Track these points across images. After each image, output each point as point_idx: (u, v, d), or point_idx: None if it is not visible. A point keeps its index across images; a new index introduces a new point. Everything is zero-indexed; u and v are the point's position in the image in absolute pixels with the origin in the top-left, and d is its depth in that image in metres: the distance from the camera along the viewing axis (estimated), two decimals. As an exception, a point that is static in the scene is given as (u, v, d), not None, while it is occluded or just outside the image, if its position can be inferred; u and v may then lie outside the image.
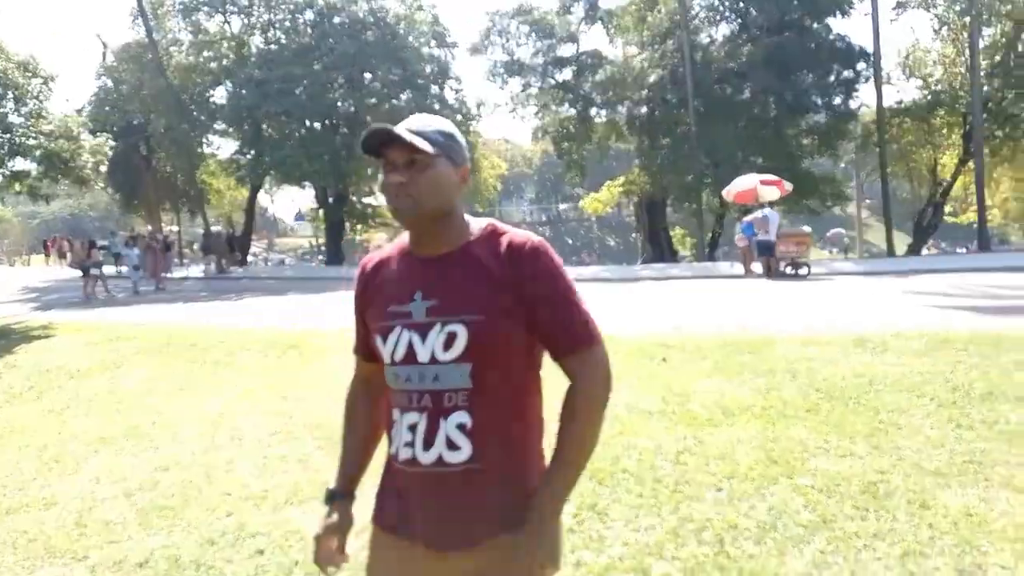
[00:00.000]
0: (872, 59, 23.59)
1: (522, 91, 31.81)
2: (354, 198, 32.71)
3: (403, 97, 29.13)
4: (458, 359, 1.33)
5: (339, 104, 28.20)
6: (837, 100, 25.39)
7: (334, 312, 12.42)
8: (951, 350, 6.36)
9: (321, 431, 5.03)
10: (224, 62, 29.71)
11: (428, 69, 29.88)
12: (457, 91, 31.63)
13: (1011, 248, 29.78)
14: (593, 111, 30.46)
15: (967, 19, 22.44)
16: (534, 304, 1.36)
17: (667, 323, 8.94)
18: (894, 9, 25.67)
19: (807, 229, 17.12)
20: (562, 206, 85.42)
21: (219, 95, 31.23)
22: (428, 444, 1.35)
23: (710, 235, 27.92)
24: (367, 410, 1.60)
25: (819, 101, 25.37)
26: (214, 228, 29.26)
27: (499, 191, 51.51)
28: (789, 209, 25.16)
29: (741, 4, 25.94)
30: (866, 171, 33.88)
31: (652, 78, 26.11)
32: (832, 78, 25.07)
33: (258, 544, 3.31)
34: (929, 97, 25.59)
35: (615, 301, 12.14)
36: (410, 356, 1.36)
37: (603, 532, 3.20)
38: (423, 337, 1.35)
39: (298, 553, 3.20)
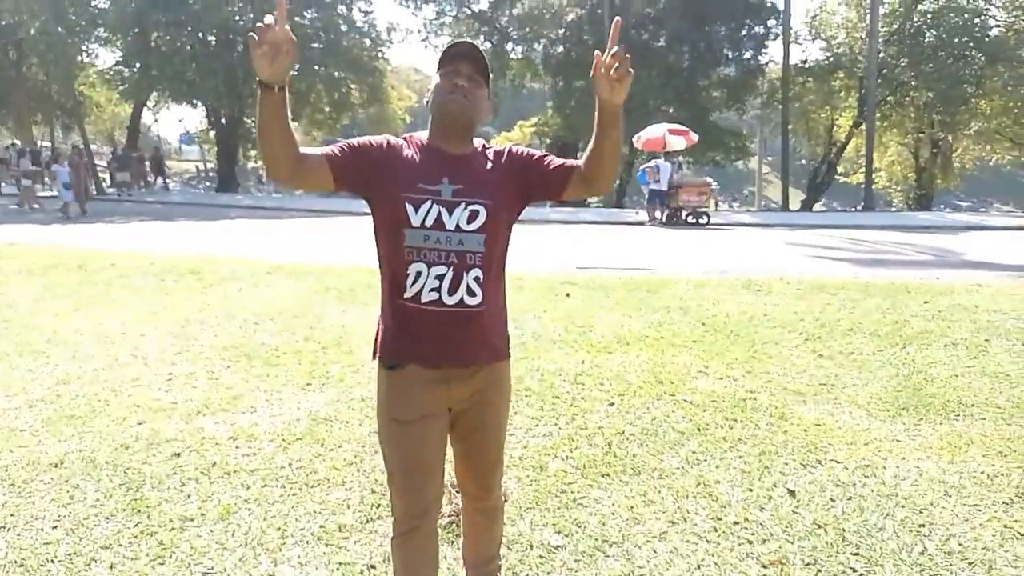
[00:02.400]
0: (781, 16, 24.44)
1: (436, 18, 31.00)
2: (250, 121, 31.14)
3: (307, 15, 27.71)
4: (478, 230, 1.77)
5: (237, 18, 26.40)
6: (747, 55, 26.26)
7: (234, 239, 12.16)
8: (825, 294, 7.04)
9: (229, 352, 5.07)
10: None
11: (335, -14, 28.52)
12: (366, 13, 30.42)
13: (894, 209, 32.12)
14: (509, 46, 30.16)
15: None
16: (529, 169, 1.88)
17: (574, 263, 9.32)
18: (805, -31, 26.53)
19: (709, 180, 17.86)
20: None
21: (102, -1, 28.68)
22: (453, 290, 1.76)
23: (618, 182, 28.62)
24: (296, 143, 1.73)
25: (730, 54, 26.16)
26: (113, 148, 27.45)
27: (406, 123, 50.35)
28: (696, 160, 26.08)
29: (661, -51, 26.08)
30: (769, 127, 35.32)
31: (570, 17, 26.09)
32: (743, 32, 25.84)
33: (173, 448, 3.41)
34: (831, 59, 26.85)
35: (525, 242, 12.43)
36: (439, 224, 1.75)
37: (507, 439, 3.49)
38: (450, 211, 1.76)
39: (214, 456, 3.33)
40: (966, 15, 23.76)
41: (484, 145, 1.94)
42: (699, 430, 3.60)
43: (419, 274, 1.76)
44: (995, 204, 51.92)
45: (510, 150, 1.94)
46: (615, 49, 1.63)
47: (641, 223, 17.58)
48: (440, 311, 1.77)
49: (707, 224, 16.68)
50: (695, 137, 17.91)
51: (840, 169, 31.01)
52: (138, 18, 25.26)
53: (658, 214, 17.31)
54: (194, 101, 29.07)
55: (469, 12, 30.39)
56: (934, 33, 24.07)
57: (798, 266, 9.62)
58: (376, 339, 1.88)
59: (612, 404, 4.00)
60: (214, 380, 4.51)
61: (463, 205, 1.76)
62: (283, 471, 3.18)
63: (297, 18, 27.08)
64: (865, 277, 8.26)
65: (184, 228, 14.17)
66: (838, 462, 3.22)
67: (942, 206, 34.71)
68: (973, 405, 3.90)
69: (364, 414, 3.88)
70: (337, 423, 3.76)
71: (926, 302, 6.56)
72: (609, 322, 5.91)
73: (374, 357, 1.88)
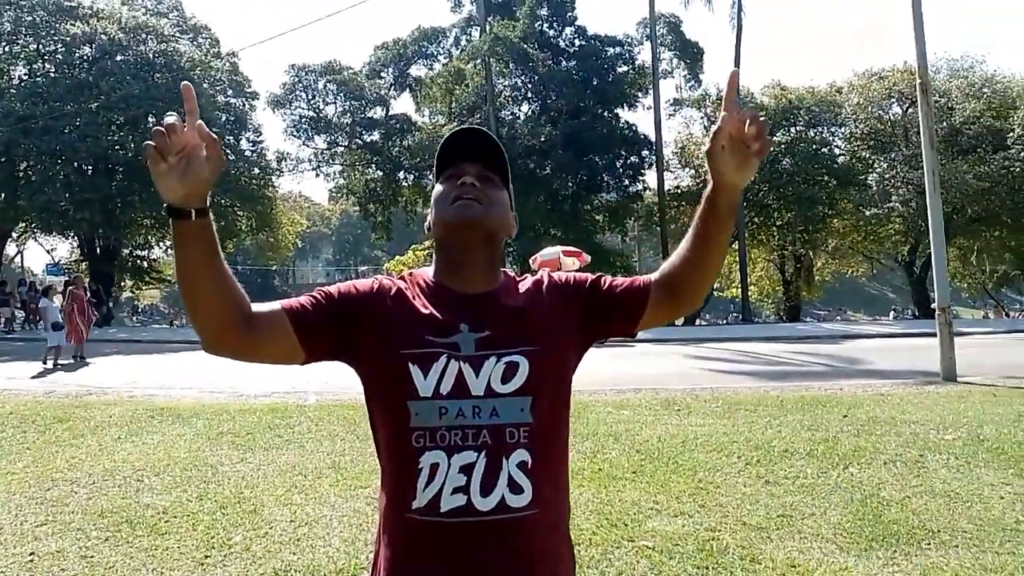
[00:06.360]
0: (655, 147, 26.37)
1: (328, 149, 31.31)
2: (126, 251, 29.59)
3: (192, 144, 27.16)
4: (518, 391, 1.23)
5: (117, 147, 25.42)
6: (626, 182, 28.02)
7: (109, 377, 10.99)
8: (744, 411, 7.01)
9: (107, 520, 4.26)
10: (-23, 91, 25.85)
11: (223, 118, 28.31)
12: (256, 143, 30.31)
13: (766, 321, 34.21)
14: (401, 174, 30.71)
15: (729, 120, 25.94)
16: (586, 297, 1.38)
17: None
18: (672, 106, 29.12)
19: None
20: (361, 268, 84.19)
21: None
22: (488, 487, 1.19)
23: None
24: (244, 296, 1.22)
25: (610, 182, 27.82)
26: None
27: (297, 247, 49.63)
28: (584, 279, 26.92)
29: (542, 88, 27.92)
30: (647, 247, 37.45)
31: (459, 147, 27.01)
32: (621, 162, 27.67)
33: (33, 670, 2.65)
34: (701, 185, 29.03)
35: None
36: (461, 388, 1.22)
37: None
38: (476, 369, 1.24)
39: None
40: (814, 145, 26.58)
41: (514, 277, 1.43)
42: (673, 584, 3.23)
43: (435, 468, 1.20)
44: (848, 312, 56.82)
45: (551, 277, 1.42)
46: (749, 111, 1.17)
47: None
48: (471, 524, 1.19)
49: (604, 340, 16.88)
50: (588, 258, 18.47)
51: (715, 284, 32.97)
52: (6, 147, 23.85)
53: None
54: (67, 232, 27.39)
55: (361, 143, 30.92)
56: (789, 160, 26.64)
57: (705, 381, 9.72)
58: (372, 572, 1.31)
59: (571, 558, 3.56)
60: (88, 560, 3.71)
61: (494, 359, 1.24)
62: None
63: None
64: (773, 391, 8.38)
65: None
66: (834, 612, 2.93)
67: (809, 318, 37.38)
68: (939, 531, 3.76)
69: (281, 595, 3.24)
70: (248, 611, 3.11)
71: (844, 416, 6.64)
72: (540, 456, 5.52)
73: None
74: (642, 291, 1.37)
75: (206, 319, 1.18)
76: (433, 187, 1.41)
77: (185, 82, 1.13)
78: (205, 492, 4.80)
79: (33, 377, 11.26)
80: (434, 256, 1.41)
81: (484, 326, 1.27)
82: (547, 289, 1.38)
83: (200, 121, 1.08)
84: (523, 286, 1.39)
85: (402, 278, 1.39)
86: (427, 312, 1.29)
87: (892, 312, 40.25)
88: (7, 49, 26.56)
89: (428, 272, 1.39)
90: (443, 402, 1.21)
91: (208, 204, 1.12)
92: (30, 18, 25.33)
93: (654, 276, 1.38)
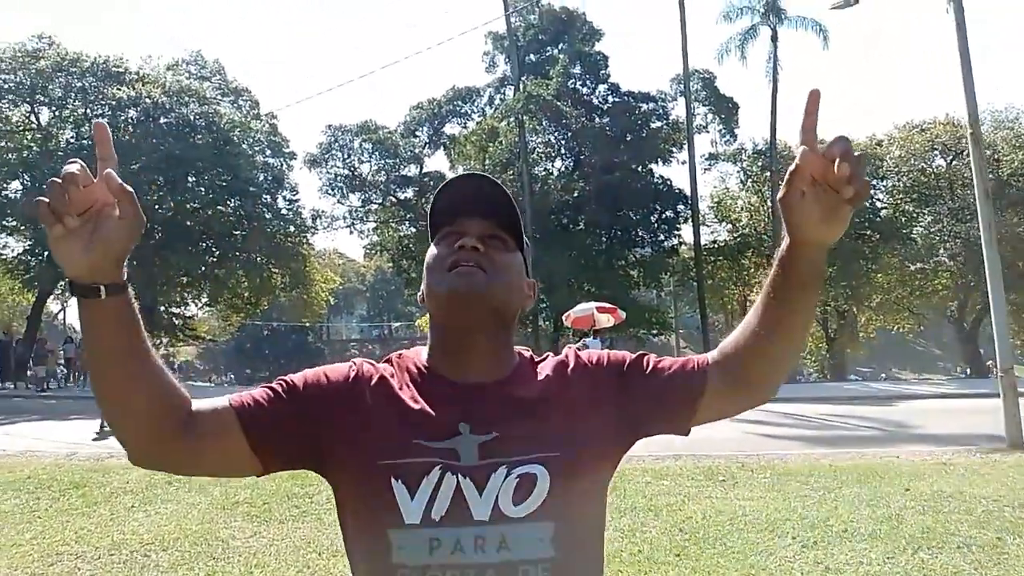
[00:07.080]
0: (690, 202, 26.10)
1: (362, 206, 31.71)
2: (162, 308, 30.07)
3: (230, 203, 27.79)
4: (535, 515, 0.93)
5: (156, 207, 25.95)
6: (661, 236, 27.73)
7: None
8: (795, 483, 6.48)
9: (106, 602, 3.96)
10: (26, 154, 26.69)
11: (261, 177, 28.94)
12: (292, 201, 30.87)
13: (808, 379, 33.12)
14: (434, 232, 30.90)
15: (768, 173, 25.70)
16: (625, 384, 1.07)
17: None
18: (707, 160, 29.00)
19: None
20: (395, 324, 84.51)
21: (13, 188, 27.89)
22: None
23: (543, 359, 28.67)
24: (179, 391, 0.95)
25: (645, 236, 27.55)
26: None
27: (330, 305, 50.02)
28: (619, 336, 26.41)
29: (575, 144, 28.04)
30: (683, 303, 36.84)
31: (492, 204, 27.15)
32: (656, 217, 27.44)
33: None
34: (739, 239, 28.63)
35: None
36: (459, 512, 0.92)
37: None
38: (479, 485, 0.93)
39: None
40: (855, 199, 26.08)
41: (531, 359, 1.12)
42: None
43: None
44: (894, 369, 54.90)
45: (579, 358, 1.10)
46: (838, 142, 0.83)
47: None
48: None
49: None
50: (623, 314, 18.03)
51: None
52: (53, 208, 24.65)
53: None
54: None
55: (395, 200, 31.27)
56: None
57: (750, 446, 9.14)
58: None
59: (607, 665, 3.13)
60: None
61: (503, 470, 0.94)
62: None
63: (219, 206, 27.06)
64: (825, 459, 7.81)
65: (78, 428, 12.58)
66: None
67: (853, 375, 36.09)
68: (1035, 636, 3.25)
69: None
70: None
71: (907, 489, 6.08)
72: (573, 533, 5.09)
73: None
74: (697, 377, 1.04)
75: (131, 423, 0.91)
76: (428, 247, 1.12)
77: (98, 121, 0.86)
78: (212, 571, 4.48)
79: (95, 439, 10.99)
80: (429, 334, 1.11)
81: (490, 426, 0.98)
82: (573, 373, 1.07)
83: (110, 171, 0.80)
84: (542, 370, 1.08)
85: (388, 361, 1.09)
86: (417, 408, 1.00)
87: (986, 368, 38.29)
88: (56, 114, 27.62)
89: (421, 354, 1.10)
90: (435, 531, 0.91)
91: (125, 278, 0.86)
92: (80, 84, 26.40)
93: (712, 355, 1.05)
